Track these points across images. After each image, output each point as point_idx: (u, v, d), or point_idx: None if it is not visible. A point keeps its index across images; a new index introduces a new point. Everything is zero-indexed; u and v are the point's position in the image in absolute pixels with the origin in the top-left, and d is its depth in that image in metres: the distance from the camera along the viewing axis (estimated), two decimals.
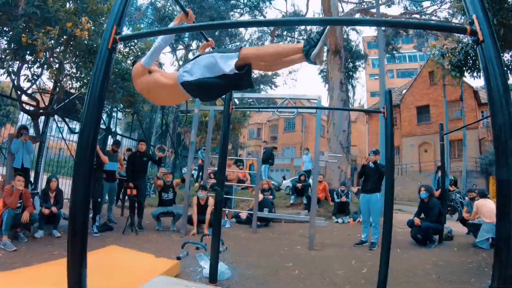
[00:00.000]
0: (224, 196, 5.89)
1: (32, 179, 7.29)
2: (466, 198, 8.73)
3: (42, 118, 7.71)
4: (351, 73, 18.20)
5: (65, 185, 7.42)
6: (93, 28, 5.78)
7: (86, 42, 5.72)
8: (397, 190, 21.73)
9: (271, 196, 9.70)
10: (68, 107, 8.33)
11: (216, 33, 19.20)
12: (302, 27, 20.49)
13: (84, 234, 1.80)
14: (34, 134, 7.02)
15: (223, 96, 3.58)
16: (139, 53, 7.17)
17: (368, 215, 6.75)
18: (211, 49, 2.89)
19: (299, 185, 10.88)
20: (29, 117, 7.28)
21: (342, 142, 14.53)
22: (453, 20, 17.08)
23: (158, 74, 2.41)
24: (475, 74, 6.90)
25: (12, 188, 5.12)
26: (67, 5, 5.74)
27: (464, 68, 6.87)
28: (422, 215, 6.84)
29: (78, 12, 5.75)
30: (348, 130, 14.93)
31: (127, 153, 8.91)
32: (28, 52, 5.45)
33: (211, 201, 7.01)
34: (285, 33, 21.12)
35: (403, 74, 37.71)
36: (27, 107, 7.19)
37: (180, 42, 23.23)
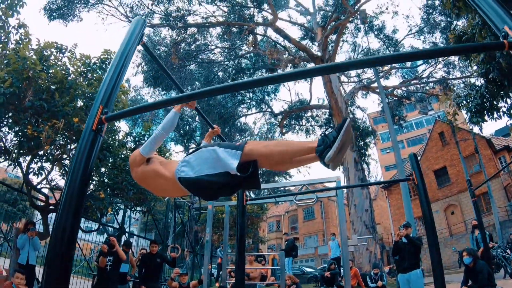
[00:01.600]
0: None
1: (40, 276, 6.87)
2: None
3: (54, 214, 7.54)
4: (363, 151, 18.13)
5: (77, 284, 7.70)
6: None
7: None
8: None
9: None
10: None
11: (226, 129, 19.67)
12: (309, 114, 21.09)
13: None
14: (42, 231, 6.86)
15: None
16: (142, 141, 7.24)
17: None
18: (216, 139, 2.70)
19: (326, 273, 9.96)
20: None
21: (366, 222, 14.09)
22: (450, 76, 17.74)
23: (157, 163, 2.21)
24: (495, 115, 6.70)
25: (11, 285, 4.89)
26: (78, 103, 5.87)
27: (484, 112, 6.70)
28: (470, 282, 6.19)
29: (87, 108, 5.77)
30: (370, 209, 14.57)
31: (143, 251, 8.51)
32: (33, 144, 5.44)
33: None
34: (292, 122, 21.59)
35: (413, 142, 37.79)
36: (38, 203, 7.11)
37: (192, 141, 23.95)
